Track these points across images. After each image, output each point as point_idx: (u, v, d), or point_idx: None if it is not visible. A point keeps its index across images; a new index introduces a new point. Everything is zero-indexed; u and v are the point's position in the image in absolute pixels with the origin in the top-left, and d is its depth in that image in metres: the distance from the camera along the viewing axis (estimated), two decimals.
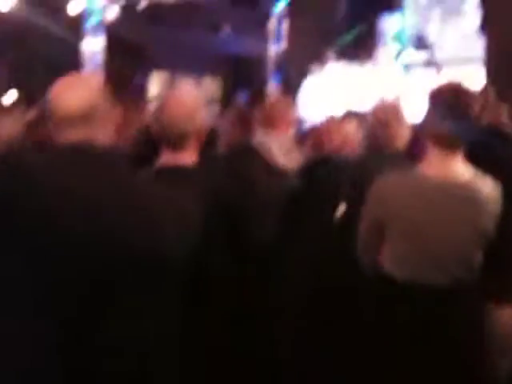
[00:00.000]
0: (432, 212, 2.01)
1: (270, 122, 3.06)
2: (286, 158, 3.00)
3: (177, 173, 2.03)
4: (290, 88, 9.16)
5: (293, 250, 2.88)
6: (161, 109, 2.13)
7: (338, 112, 4.62)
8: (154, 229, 1.46)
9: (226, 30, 15.78)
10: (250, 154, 3.02)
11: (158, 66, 15.53)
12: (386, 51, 11.82)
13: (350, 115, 5.16)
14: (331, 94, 10.25)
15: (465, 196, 2.00)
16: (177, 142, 2.05)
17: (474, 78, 9.86)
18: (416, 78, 10.62)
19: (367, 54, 11.87)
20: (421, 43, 10.36)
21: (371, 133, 2.80)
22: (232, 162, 3.04)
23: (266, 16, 13.23)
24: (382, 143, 2.75)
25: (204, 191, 1.86)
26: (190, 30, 14.33)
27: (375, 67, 11.58)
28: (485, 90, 3.15)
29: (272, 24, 9.25)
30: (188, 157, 2.09)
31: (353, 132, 3.45)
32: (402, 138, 2.80)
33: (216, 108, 15.93)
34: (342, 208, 2.68)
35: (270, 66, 9.27)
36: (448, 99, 2.00)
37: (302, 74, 9.49)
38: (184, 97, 2.13)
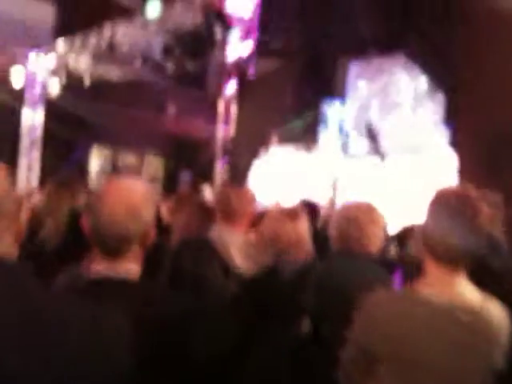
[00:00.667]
0: (435, 342, 1.64)
1: (231, 216, 2.67)
2: (244, 258, 2.59)
3: (112, 287, 1.62)
4: (237, 171, 8.93)
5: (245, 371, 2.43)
6: (97, 204, 1.68)
7: (288, 200, 4.31)
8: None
9: (172, 109, 15.71)
10: (207, 251, 2.60)
11: (100, 140, 15.16)
12: (328, 138, 12.00)
13: (303, 206, 4.88)
14: (278, 179, 10.16)
15: (474, 324, 1.65)
16: (115, 247, 1.64)
17: (417, 168, 10.07)
18: (361, 166, 10.71)
19: (311, 139, 12.05)
20: (368, 132, 10.48)
21: (343, 233, 2.46)
22: (184, 259, 2.61)
23: (214, 97, 13.22)
24: (355, 245, 2.43)
25: (142, 311, 1.46)
26: (135, 107, 14.12)
27: (319, 153, 11.71)
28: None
29: (220, 106, 9.07)
30: (128, 265, 1.68)
31: (306, 228, 3.10)
32: (377, 241, 2.49)
33: (157, 187, 15.69)
34: (305, 324, 2.29)
35: (218, 147, 9.02)
36: (454, 205, 1.68)
37: (250, 157, 9.36)
38: (127, 190, 1.70)
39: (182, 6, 9.45)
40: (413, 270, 2.88)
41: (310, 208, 4.79)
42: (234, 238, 2.61)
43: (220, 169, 8.94)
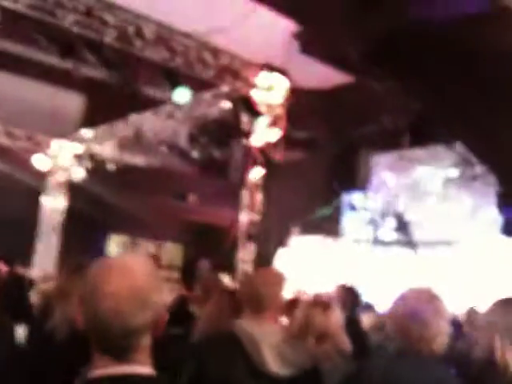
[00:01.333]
0: None
1: (258, 305, 2.35)
2: (277, 355, 2.24)
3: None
4: (263, 259, 8.64)
5: None
6: (93, 291, 1.35)
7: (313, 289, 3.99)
8: None
9: (193, 197, 15.66)
10: (231, 349, 2.26)
11: (120, 227, 15.05)
12: (353, 228, 11.80)
13: (343, 290, 4.55)
14: (303, 268, 9.84)
15: None
16: (120, 345, 1.34)
17: (451, 261, 9.71)
18: (392, 257, 10.40)
19: (335, 229, 11.87)
20: (399, 223, 10.23)
21: (403, 330, 2.13)
22: (207, 359, 2.26)
23: (237, 185, 13.17)
24: (418, 343, 2.10)
25: None
26: (157, 194, 14.09)
27: (343, 243, 11.50)
28: None
29: (245, 193, 8.93)
30: (137, 363, 1.36)
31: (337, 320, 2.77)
32: (442, 338, 2.15)
33: (175, 275, 15.35)
34: None
35: (241, 234, 8.79)
36: None
37: (275, 245, 9.11)
38: (129, 270, 1.38)
39: (209, 93, 9.56)
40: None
41: (350, 292, 4.47)
42: (264, 332, 2.28)
43: (242, 257, 8.67)
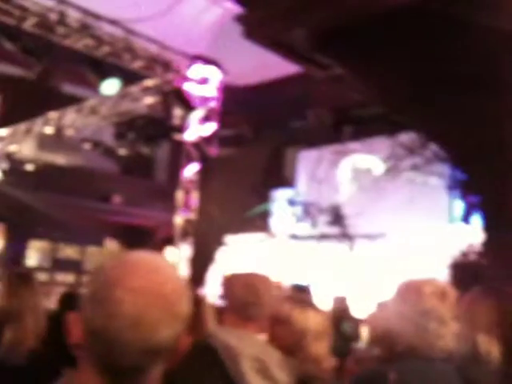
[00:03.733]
0: None
1: (247, 314, 2.02)
2: (257, 372, 1.90)
3: None
4: (200, 259, 8.28)
5: None
6: (108, 296, 1.00)
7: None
8: None
9: (118, 198, 15.02)
10: (206, 362, 1.91)
11: (39, 234, 14.19)
12: (285, 224, 11.71)
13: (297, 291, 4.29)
14: (242, 267, 9.56)
15: None
16: (134, 366, 1.00)
17: (386, 254, 9.75)
18: (328, 251, 10.36)
19: (268, 226, 11.78)
20: (335, 217, 10.15)
21: (419, 330, 1.87)
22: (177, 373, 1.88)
23: (163, 184, 12.73)
24: (430, 346, 1.85)
25: None
26: (79, 196, 13.36)
27: (277, 239, 11.39)
28: None
29: (178, 191, 8.53)
30: None
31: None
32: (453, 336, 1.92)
33: None
34: None
35: (176, 235, 8.38)
36: None
37: (214, 245, 8.74)
38: (157, 274, 1.04)
39: (137, 86, 9.04)
40: None
41: (304, 292, 4.23)
42: (245, 343, 1.94)
43: (176, 257, 8.27)
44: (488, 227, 2.91)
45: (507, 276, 2.48)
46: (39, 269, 14.10)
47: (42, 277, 12.87)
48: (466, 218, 8.18)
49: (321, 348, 2.33)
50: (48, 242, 14.90)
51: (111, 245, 14.98)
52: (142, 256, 1.09)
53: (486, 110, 2.81)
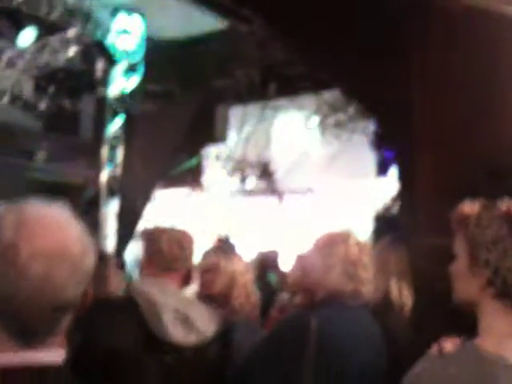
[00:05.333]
0: None
1: (167, 265, 2.02)
2: (180, 323, 1.91)
3: None
4: (127, 215, 8.17)
5: None
6: (8, 250, 0.96)
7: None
8: None
9: (42, 154, 14.49)
10: (126, 315, 1.90)
11: None
12: (213, 179, 11.72)
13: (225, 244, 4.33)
14: (172, 223, 9.53)
15: None
16: (32, 325, 0.99)
17: (313, 209, 9.96)
18: (257, 205, 10.46)
19: (199, 181, 11.74)
20: (263, 172, 10.23)
21: (331, 278, 1.93)
22: (94, 328, 1.87)
23: (89, 140, 12.37)
24: (347, 293, 1.92)
25: None
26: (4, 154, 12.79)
27: (208, 194, 11.41)
28: None
29: (103, 147, 8.32)
30: (56, 347, 1.04)
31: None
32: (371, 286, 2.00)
33: None
34: None
35: (102, 192, 8.21)
36: None
37: (141, 201, 8.64)
38: (59, 226, 1.02)
39: (57, 37, 8.63)
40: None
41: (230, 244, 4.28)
42: (167, 295, 1.95)
43: (104, 214, 8.12)
44: (400, 179, 3.03)
45: (416, 226, 2.59)
46: None
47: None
48: (383, 172, 8.43)
49: (246, 297, 2.38)
50: None
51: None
52: (43, 213, 1.05)
53: (396, 71, 2.88)
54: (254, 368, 1.90)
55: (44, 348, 1.00)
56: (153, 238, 2.07)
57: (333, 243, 2.01)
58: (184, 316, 1.91)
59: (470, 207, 1.28)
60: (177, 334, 1.88)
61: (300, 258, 3.22)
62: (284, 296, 4.08)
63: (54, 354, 1.03)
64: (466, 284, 1.25)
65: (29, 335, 0.99)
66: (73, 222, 1.06)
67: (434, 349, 1.29)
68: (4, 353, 0.97)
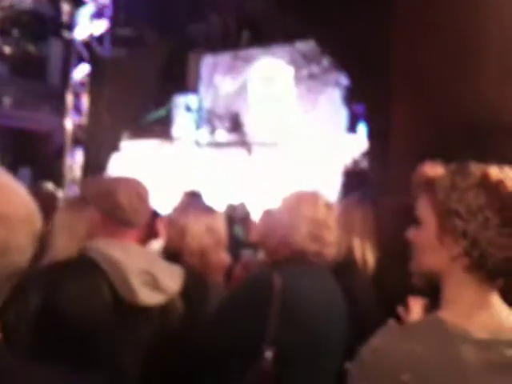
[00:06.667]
0: None
1: (124, 224, 1.89)
2: (145, 283, 1.82)
3: None
4: (92, 166, 7.97)
5: None
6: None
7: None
8: None
9: (8, 100, 14.05)
10: (89, 276, 1.79)
11: None
12: (185, 130, 11.50)
13: (192, 197, 4.22)
14: (137, 174, 9.36)
15: None
16: None
17: (281, 162, 9.90)
18: (226, 158, 10.34)
19: (167, 132, 11.51)
20: (234, 124, 10.05)
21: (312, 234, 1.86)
22: (56, 291, 1.75)
23: (56, 87, 11.98)
24: (311, 254, 1.85)
25: None
26: None
27: (176, 146, 11.21)
28: None
29: (68, 94, 8.03)
30: None
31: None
32: (334, 248, 1.94)
33: None
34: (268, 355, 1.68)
35: (67, 141, 7.97)
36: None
37: (106, 151, 8.42)
38: (17, 190, 1.01)
39: None
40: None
41: (199, 199, 4.15)
42: (129, 254, 1.84)
43: (70, 163, 7.91)
44: (371, 136, 2.96)
45: (383, 183, 2.53)
46: None
47: None
48: (352, 127, 8.36)
49: (215, 252, 2.31)
50: None
51: None
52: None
53: (372, 23, 2.78)
54: (219, 328, 1.85)
55: None
56: (108, 189, 1.91)
57: (301, 203, 1.93)
58: (151, 277, 1.82)
59: (434, 170, 1.19)
60: (145, 296, 1.80)
61: (266, 214, 3.15)
62: (248, 252, 4.03)
63: None
64: (434, 254, 1.16)
65: None
66: (19, 186, 1.01)
67: (393, 321, 1.22)
68: None
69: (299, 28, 5.86)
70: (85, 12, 7.65)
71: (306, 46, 7.89)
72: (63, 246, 2.10)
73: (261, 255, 3.11)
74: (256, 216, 5.96)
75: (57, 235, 2.16)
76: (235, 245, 4.58)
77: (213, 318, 1.88)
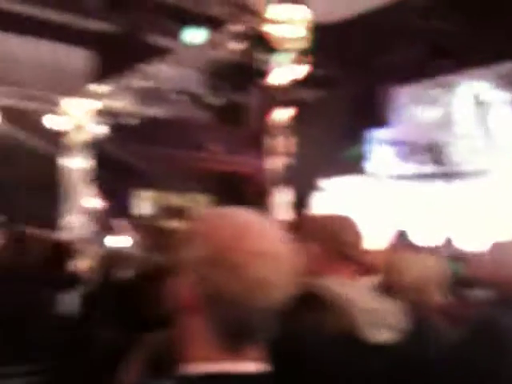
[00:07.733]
0: None
1: (344, 260, 1.89)
2: (371, 320, 1.78)
3: None
4: (299, 204, 8.21)
5: None
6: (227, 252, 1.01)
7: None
8: None
9: (214, 146, 15.21)
10: (316, 313, 1.79)
11: (143, 183, 14.73)
12: (379, 164, 11.32)
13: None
14: (343, 211, 9.43)
15: None
16: (248, 328, 1.02)
17: (486, 192, 9.21)
18: (429, 191, 9.95)
19: (365, 168, 11.45)
20: (434, 155, 9.70)
21: None
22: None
23: (258, 131, 12.63)
24: None
25: None
26: (178, 147, 13.64)
27: (378, 181, 11.06)
28: None
29: (268, 136, 8.41)
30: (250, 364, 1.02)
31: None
32: None
33: None
34: None
35: (271, 181, 8.33)
36: None
37: (309, 190, 8.65)
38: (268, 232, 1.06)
39: (221, 33, 8.84)
40: None
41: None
42: (354, 290, 1.83)
43: (274, 201, 8.21)
44: None
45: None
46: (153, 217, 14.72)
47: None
48: None
49: (437, 294, 2.25)
50: (153, 191, 15.48)
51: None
52: (248, 217, 1.08)
53: None
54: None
55: (246, 357, 1.01)
56: (332, 227, 1.92)
57: None
58: (377, 314, 1.79)
59: None
60: (374, 333, 1.77)
61: (496, 247, 2.90)
62: (475, 292, 3.73)
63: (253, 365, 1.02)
64: None
65: (238, 337, 1.00)
66: (274, 226, 1.08)
67: None
68: (211, 360, 0.99)
69: (496, 50, 5.53)
70: (282, 59, 8.01)
71: (504, 68, 7.40)
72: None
73: (483, 292, 2.90)
74: (474, 251, 5.56)
75: None
76: (454, 282, 4.29)
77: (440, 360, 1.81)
